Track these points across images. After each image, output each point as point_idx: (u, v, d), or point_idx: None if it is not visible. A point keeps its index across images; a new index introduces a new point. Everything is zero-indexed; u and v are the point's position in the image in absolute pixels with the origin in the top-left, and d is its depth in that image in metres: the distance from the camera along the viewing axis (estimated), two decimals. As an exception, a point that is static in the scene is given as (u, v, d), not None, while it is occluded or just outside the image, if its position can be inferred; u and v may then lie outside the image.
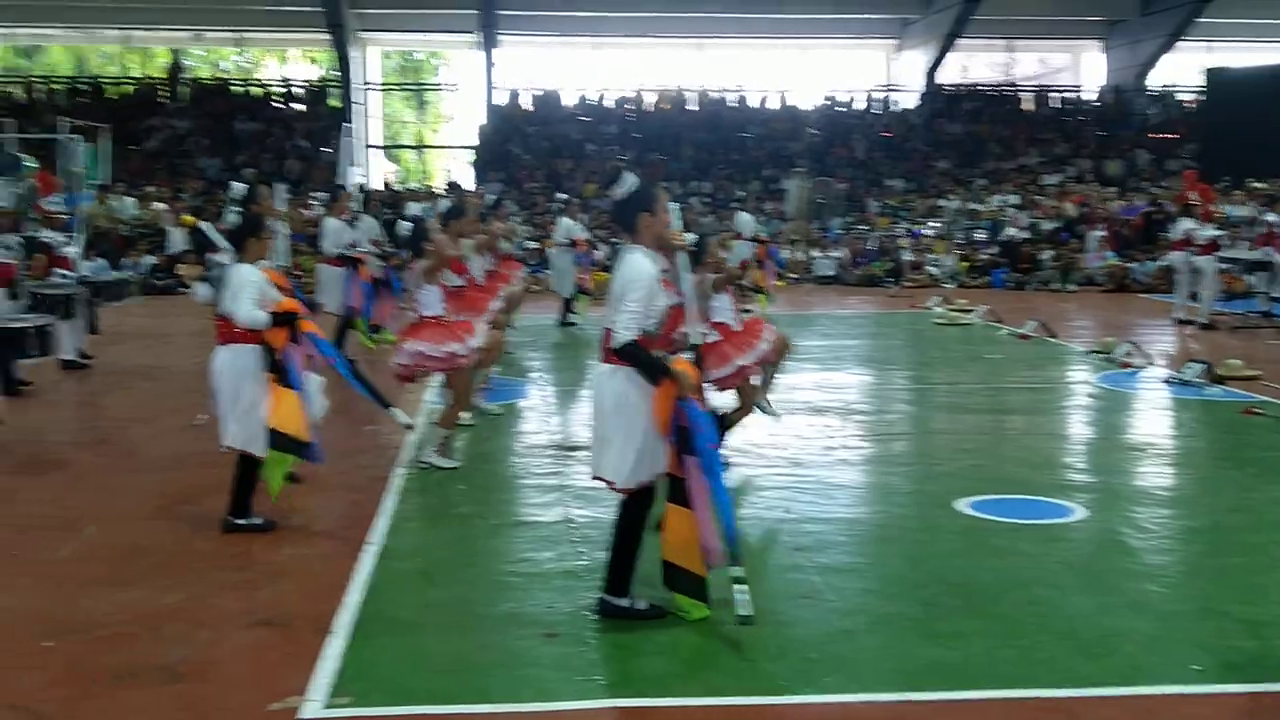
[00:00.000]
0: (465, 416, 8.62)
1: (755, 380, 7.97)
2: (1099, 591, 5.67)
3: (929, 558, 6.23)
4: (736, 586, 4.97)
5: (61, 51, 37.01)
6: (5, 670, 4.72)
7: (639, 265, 5.09)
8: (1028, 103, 32.14)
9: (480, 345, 8.10)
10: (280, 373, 6.40)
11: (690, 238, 6.44)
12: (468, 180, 28.12)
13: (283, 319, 6.41)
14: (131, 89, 30.11)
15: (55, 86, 29.87)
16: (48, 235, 11.81)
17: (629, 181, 5.24)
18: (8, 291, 10.24)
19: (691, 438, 4.98)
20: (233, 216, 6.72)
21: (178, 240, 22.31)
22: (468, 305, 8.95)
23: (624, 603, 5.24)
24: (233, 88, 30.81)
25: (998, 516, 6.89)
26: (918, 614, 5.35)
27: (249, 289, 6.40)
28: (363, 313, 12.35)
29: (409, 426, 7.91)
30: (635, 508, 5.24)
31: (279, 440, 6.39)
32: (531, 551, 6.28)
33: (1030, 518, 6.91)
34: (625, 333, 5.00)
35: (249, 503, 6.58)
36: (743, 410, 7.90)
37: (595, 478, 5.30)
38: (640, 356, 5.01)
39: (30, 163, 16.40)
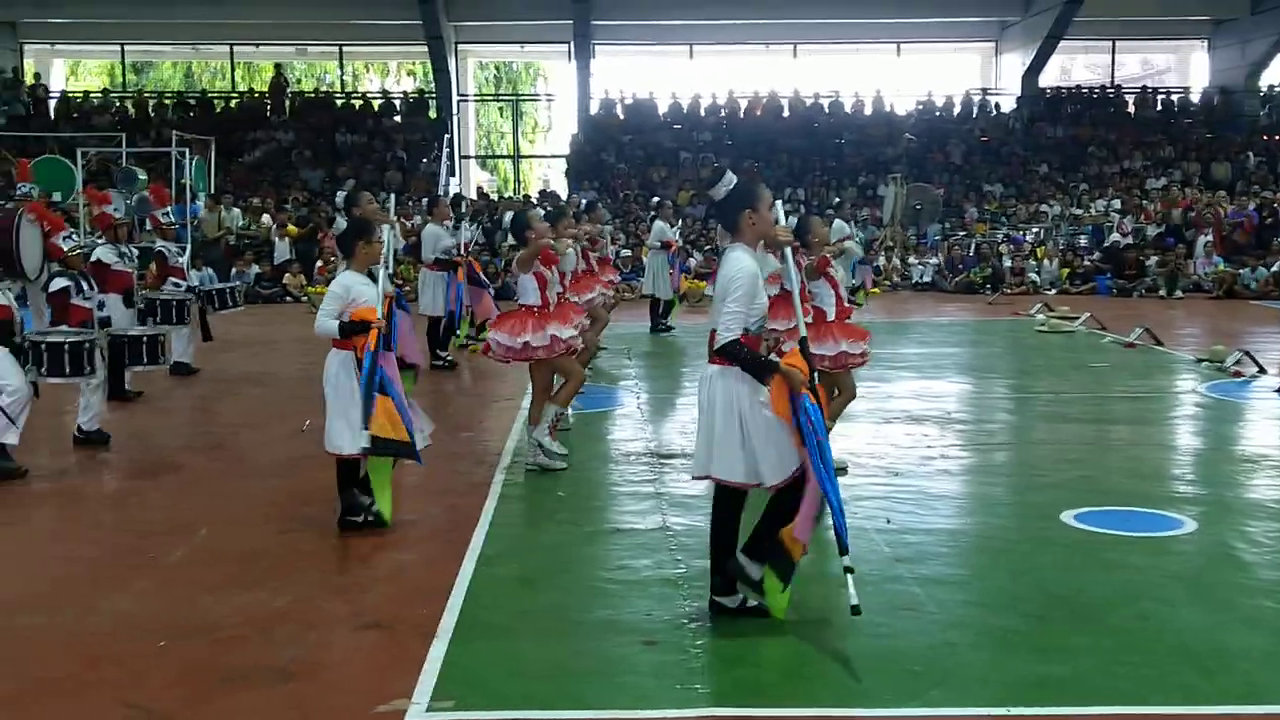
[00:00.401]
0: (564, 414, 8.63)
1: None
2: (1212, 607, 5.52)
3: (1034, 570, 6.11)
4: (849, 577, 4.99)
5: (171, 67, 38.24)
6: (124, 670, 4.87)
7: (741, 263, 5.10)
8: (1131, 105, 31.38)
9: (568, 336, 8.11)
10: (377, 381, 6.48)
11: (790, 222, 6.46)
12: (562, 189, 28.38)
13: (354, 328, 6.49)
14: (237, 103, 30.92)
15: (165, 101, 30.81)
16: (161, 245, 12.18)
17: (730, 179, 5.25)
18: (124, 300, 10.57)
19: (802, 431, 4.96)
20: (341, 223, 6.88)
21: (283, 250, 22.89)
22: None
23: (732, 603, 5.25)
24: (334, 100, 31.46)
25: (1104, 529, 6.74)
26: (1023, 628, 5.26)
27: (330, 299, 6.58)
28: (459, 315, 12.59)
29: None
30: (727, 507, 5.24)
31: (380, 445, 6.47)
32: (629, 559, 6.31)
33: (1138, 530, 6.75)
34: (728, 332, 5.02)
35: (358, 501, 6.70)
36: (842, 397, 7.84)
37: (698, 477, 5.29)
38: (745, 355, 5.02)
39: (143, 175, 16.96)
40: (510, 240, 9.10)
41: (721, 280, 5.13)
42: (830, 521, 5.17)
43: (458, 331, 12.88)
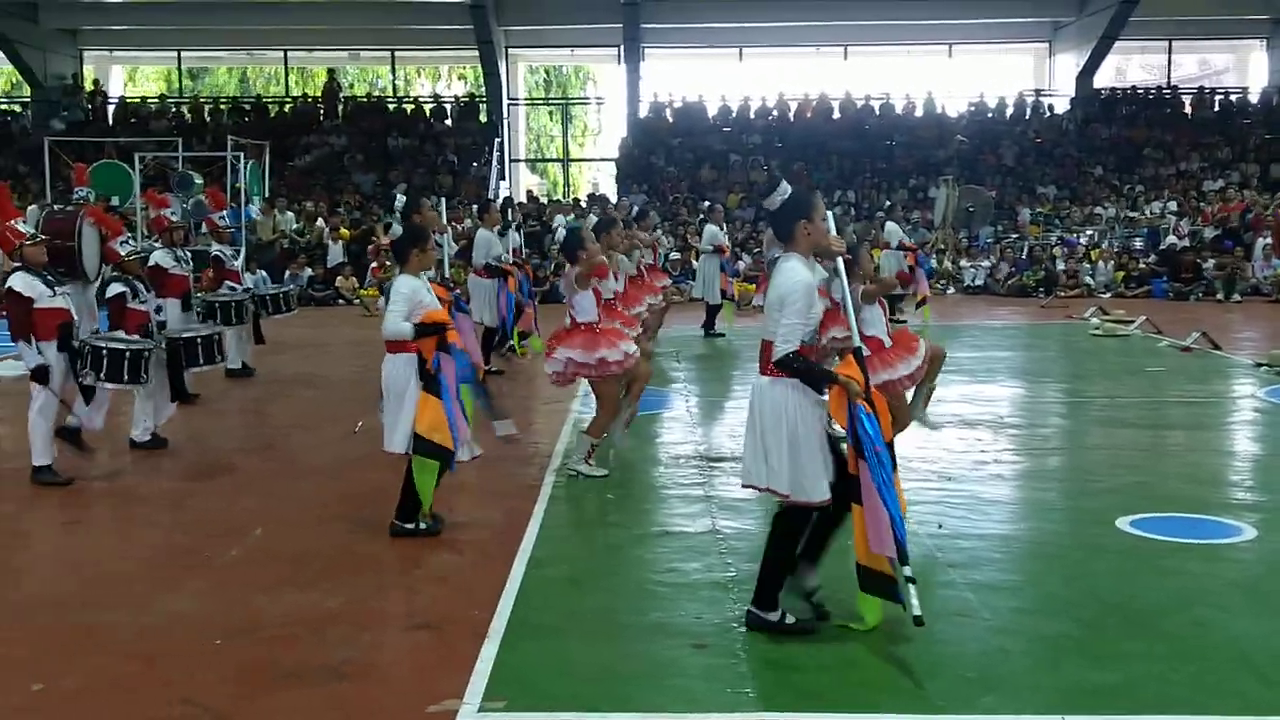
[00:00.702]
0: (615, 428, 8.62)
1: (908, 394, 7.88)
2: (1271, 614, 5.43)
3: (1088, 576, 6.04)
4: (911, 587, 4.97)
5: (226, 73, 38.77)
6: (180, 667, 4.95)
7: (797, 274, 5.06)
8: (1188, 105, 30.90)
9: (634, 353, 8.12)
10: (429, 381, 6.54)
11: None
12: (611, 192, 28.43)
13: (428, 330, 6.54)
14: (291, 108, 31.29)
15: (220, 106, 31.26)
16: (217, 249, 12.35)
17: (785, 189, 5.22)
18: (181, 303, 10.72)
19: (859, 442, 4.93)
20: (396, 228, 6.95)
21: (336, 253, 23.13)
22: (612, 314, 9.04)
23: (772, 617, 5.22)
24: (387, 105, 31.75)
25: (1161, 535, 6.65)
26: (1078, 634, 5.19)
27: (400, 300, 6.59)
28: (511, 325, 12.61)
29: (508, 439, 7.97)
30: (789, 524, 5.21)
31: (422, 445, 6.51)
32: (679, 562, 6.31)
33: (1195, 537, 6.64)
34: (786, 344, 4.98)
35: (416, 508, 6.74)
36: (897, 425, 7.79)
37: (747, 486, 5.28)
38: (802, 367, 5.00)
39: (199, 179, 17.22)
40: (558, 244, 9.16)
41: (776, 291, 5.08)
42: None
43: (510, 342, 12.90)
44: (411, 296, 6.60)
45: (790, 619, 5.23)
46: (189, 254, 11.22)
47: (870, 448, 4.89)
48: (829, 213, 5.36)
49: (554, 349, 8.17)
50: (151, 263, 10.47)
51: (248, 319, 11.95)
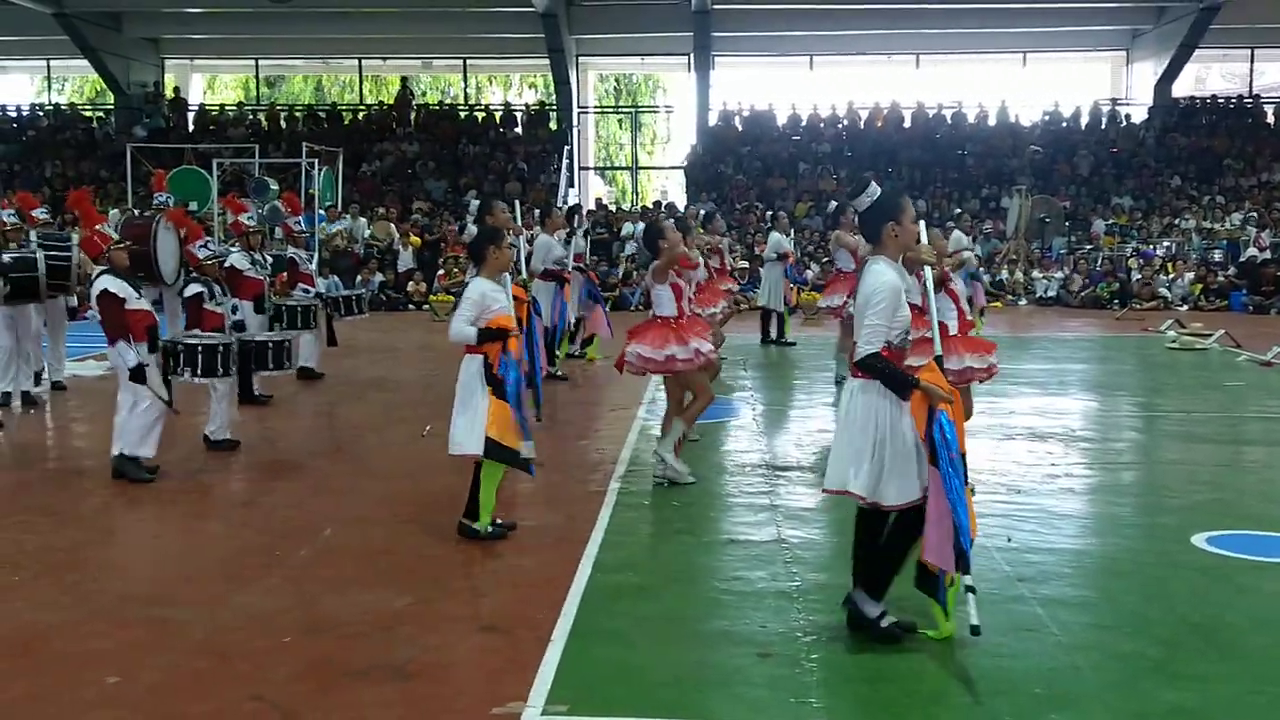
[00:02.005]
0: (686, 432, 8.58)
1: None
2: (1356, 638, 5.28)
3: (1164, 594, 5.92)
4: (970, 596, 4.91)
5: (302, 81, 39.42)
6: (251, 664, 5.02)
7: (883, 276, 5.03)
8: (1270, 115, 30.19)
9: (706, 350, 8.05)
10: (496, 385, 6.57)
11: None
12: (680, 200, 28.44)
13: (491, 335, 6.56)
14: (364, 115, 31.72)
15: (296, 114, 31.78)
16: (293, 253, 12.56)
17: (874, 190, 5.19)
18: (255, 305, 10.91)
19: (935, 448, 4.89)
20: (472, 229, 7.00)
21: (407, 259, 23.39)
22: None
23: (873, 611, 5.16)
24: (458, 112, 32.09)
25: (1240, 553, 6.49)
26: (1153, 653, 5.09)
27: (467, 304, 6.64)
28: (561, 329, 12.75)
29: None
30: (870, 526, 5.18)
31: (493, 449, 6.54)
32: (744, 570, 6.29)
33: (1275, 556, 6.48)
34: (869, 345, 4.97)
35: (476, 507, 6.77)
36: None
37: (830, 491, 5.23)
38: (884, 370, 4.97)
39: (274, 185, 17.53)
40: (627, 250, 9.17)
41: (863, 293, 5.06)
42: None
43: (559, 346, 12.97)
44: (480, 301, 6.64)
45: (887, 621, 5.16)
46: (266, 258, 11.42)
47: (945, 455, 4.84)
48: (920, 221, 5.31)
49: (629, 342, 8.13)
50: (228, 265, 10.68)
51: (316, 323, 12.12)
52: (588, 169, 33.82)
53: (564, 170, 28.81)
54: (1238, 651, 5.10)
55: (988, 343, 7.93)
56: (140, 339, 8.18)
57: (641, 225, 25.00)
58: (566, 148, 29.52)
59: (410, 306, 22.02)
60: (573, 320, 13.46)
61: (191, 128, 30.32)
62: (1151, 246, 24.06)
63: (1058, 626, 5.39)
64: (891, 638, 5.13)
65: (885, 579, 5.18)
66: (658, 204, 28.09)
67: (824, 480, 5.27)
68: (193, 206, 18.67)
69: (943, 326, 7.50)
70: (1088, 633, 5.36)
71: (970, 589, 4.95)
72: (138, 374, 8.09)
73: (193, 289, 9.36)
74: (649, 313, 8.34)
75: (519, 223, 11.24)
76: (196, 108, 32.34)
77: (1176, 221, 25.24)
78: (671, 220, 10.42)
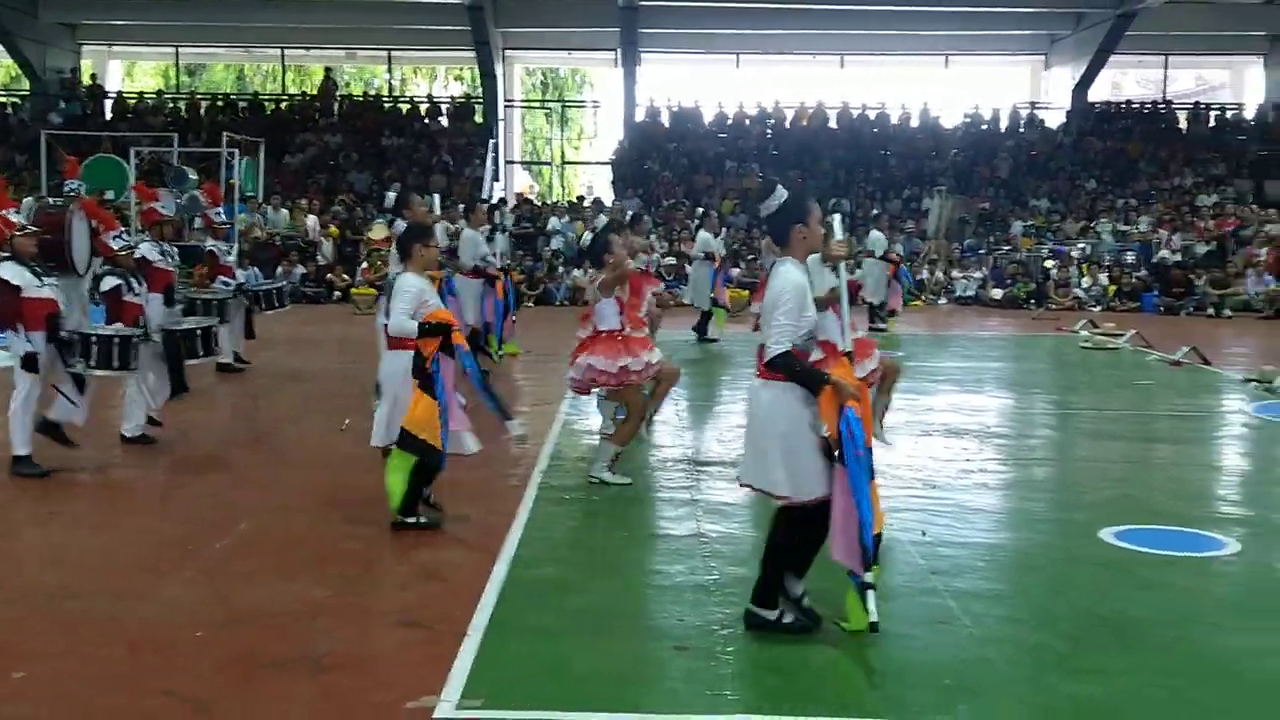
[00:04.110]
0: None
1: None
2: (1257, 630, 5.44)
3: (1072, 588, 6.06)
4: (870, 593, 4.99)
5: (223, 70, 38.74)
6: (163, 657, 4.94)
7: (790, 277, 5.11)
8: (1183, 121, 31.00)
9: (655, 361, 8.04)
10: (425, 380, 6.54)
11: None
12: (606, 196, 28.44)
13: (433, 329, 6.56)
14: (287, 105, 31.27)
15: (217, 103, 31.21)
16: (212, 244, 12.35)
17: (780, 194, 5.25)
18: (164, 298, 10.70)
19: (842, 445, 4.95)
20: (400, 224, 6.97)
21: (327, 251, 23.12)
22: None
23: (771, 615, 5.24)
24: (382, 104, 31.76)
25: (1146, 548, 6.66)
26: (1059, 645, 5.20)
27: (404, 298, 6.61)
28: (499, 328, 12.62)
29: (521, 439, 7.99)
30: (788, 522, 5.23)
31: (407, 440, 6.53)
32: (663, 564, 6.32)
33: (1181, 550, 6.65)
34: (777, 345, 5.03)
35: (416, 503, 6.78)
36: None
37: (744, 485, 5.32)
38: (795, 367, 5.03)
39: (194, 175, 17.21)
40: (553, 245, 9.14)
41: (770, 294, 5.14)
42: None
43: (497, 344, 12.90)
44: (418, 295, 6.64)
45: (788, 618, 5.25)
46: (175, 249, 11.20)
47: (852, 451, 4.91)
48: (835, 217, 5.40)
49: (576, 357, 8.06)
50: (138, 255, 10.46)
51: (230, 317, 11.93)
52: (513, 163, 33.65)
53: (489, 164, 28.66)
54: (1141, 644, 5.23)
55: (869, 343, 8.05)
56: (37, 328, 7.97)
57: (568, 220, 25.09)
58: (492, 141, 29.38)
59: (331, 299, 21.78)
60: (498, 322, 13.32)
61: (109, 115, 29.66)
62: (1067, 248, 24.56)
63: (969, 619, 5.49)
64: (800, 630, 5.21)
65: (780, 581, 5.25)
66: (581, 200, 28.06)
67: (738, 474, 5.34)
68: (108, 195, 18.28)
69: (828, 345, 7.64)
70: (998, 625, 5.47)
71: (870, 586, 5.01)
72: (28, 363, 7.92)
73: (111, 281, 9.16)
74: (579, 310, 8.31)
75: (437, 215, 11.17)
76: (114, 95, 31.62)
77: (1091, 224, 25.80)
78: (606, 223, 10.38)
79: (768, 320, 5.10)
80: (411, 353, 6.59)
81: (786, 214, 5.23)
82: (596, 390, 8.33)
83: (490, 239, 13.04)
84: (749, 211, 25.38)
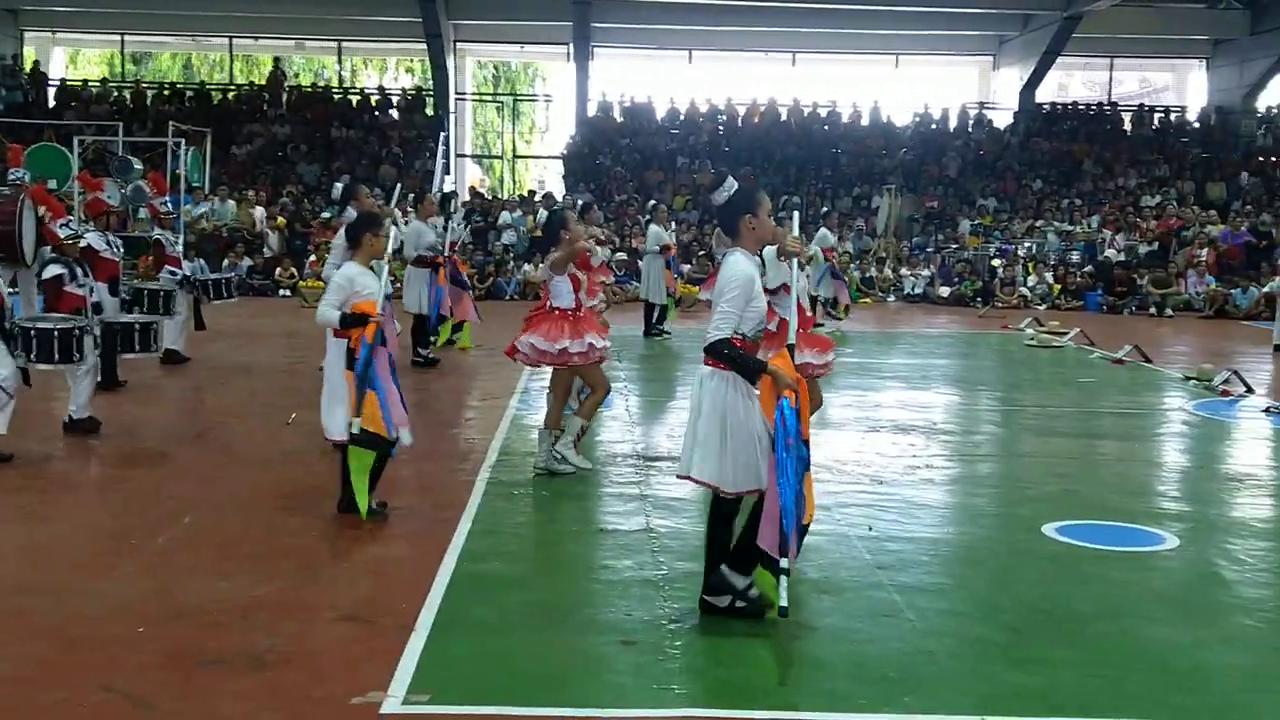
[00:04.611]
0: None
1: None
2: (1192, 624, 5.54)
3: (1015, 581, 6.14)
4: (783, 579, 5.00)
5: (170, 58, 38.17)
6: (103, 654, 4.87)
7: (738, 267, 5.17)
8: (1128, 122, 31.47)
9: (600, 346, 8.03)
10: (361, 370, 6.56)
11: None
12: (558, 190, 28.37)
13: (353, 320, 6.58)
14: (235, 95, 30.88)
15: (163, 92, 30.76)
16: (159, 234, 12.18)
17: (731, 185, 5.31)
18: (109, 288, 10.54)
19: (774, 434, 4.99)
20: (351, 212, 6.99)
21: (274, 243, 22.88)
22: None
23: (721, 601, 5.30)
24: (332, 95, 31.46)
25: (1087, 542, 6.76)
26: (1001, 638, 5.27)
27: (334, 288, 6.68)
28: (435, 316, 12.61)
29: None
30: (719, 512, 5.30)
31: (363, 438, 6.55)
32: (611, 559, 6.32)
33: (1121, 545, 6.76)
34: (717, 332, 5.08)
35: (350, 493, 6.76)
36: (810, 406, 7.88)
37: (682, 476, 5.36)
38: (732, 355, 5.08)
39: (139, 164, 16.95)
40: (504, 240, 9.14)
41: (719, 282, 5.20)
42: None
43: (437, 331, 12.90)
44: (348, 285, 6.66)
45: (740, 603, 5.29)
46: (120, 239, 11.04)
47: (783, 440, 4.95)
48: (794, 212, 5.48)
49: (524, 332, 8.04)
50: (84, 245, 10.30)
51: (175, 309, 11.77)
52: (465, 156, 33.48)
53: (440, 157, 28.42)
54: (1081, 636, 5.31)
55: (826, 340, 8.12)
56: None
57: (520, 214, 24.99)
58: (443, 134, 29.12)
59: (280, 292, 21.56)
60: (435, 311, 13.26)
61: (52, 103, 29.13)
62: (1013, 246, 24.85)
63: (914, 612, 5.54)
64: (754, 607, 5.26)
65: (750, 559, 5.27)
66: (533, 193, 27.97)
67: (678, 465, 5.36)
68: (51, 184, 17.98)
69: (784, 322, 7.69)
70: (942, 618, 5.53)
71: (784, 572, 5.02)
72: None
73: (54, 270, 9.02)
74: (531, 305, 8.30)
75: (393, 207, 11.10)
76: (58, 82, 31.04)
77: (1037, 223, 26.11)
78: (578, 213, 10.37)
79: (713, 308, 5.17)
80: (341, 342, 6.67)
81: (736, 205, 5.29)
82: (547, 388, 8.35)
83: (443, 229, 13.02)
84: (701, 207, 25.44)
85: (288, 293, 21.31)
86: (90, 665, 4.75)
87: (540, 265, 8.44)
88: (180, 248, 13.06)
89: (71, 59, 36.02)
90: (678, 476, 5.46)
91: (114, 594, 5.59)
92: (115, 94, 29.96)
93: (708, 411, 5.15)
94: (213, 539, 6.53)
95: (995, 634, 5.31)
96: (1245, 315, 20.93)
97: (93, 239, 10.52)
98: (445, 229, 13.12)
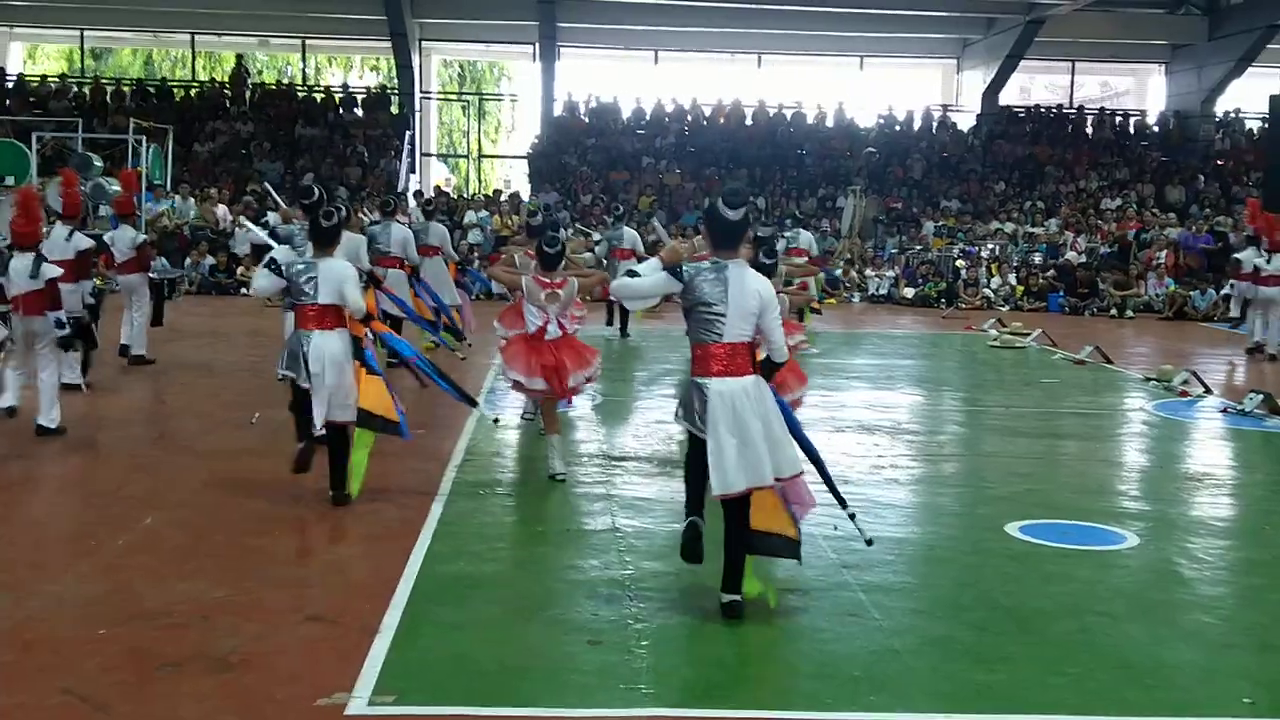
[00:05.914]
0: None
1: None
2: (1152, 621, 5.60)
3: (978, 580, 6.18)
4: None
5: (131, 54, 37.74)
6: (61, 656, 4.81)
7: (766, 282, 5.52)
8: (1089, 126, 31.77)
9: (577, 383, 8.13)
10: (364, 360, 7.12)
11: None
12: (524, 190, 28.31)
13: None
14: (197, 92, 30.59)
15: (124, 88, 30.42)
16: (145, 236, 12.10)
17: (747, 200, 5.60)
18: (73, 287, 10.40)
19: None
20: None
21: (239, 241, 22.67)
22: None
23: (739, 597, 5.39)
24: (296, 93, 31.23)
25: (1049, 541, 6.81)
26: (966, 637, 5.31)
27: (353, 282, 7.03)
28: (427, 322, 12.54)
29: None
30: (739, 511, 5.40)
31: (364, 418, 6.99)
32: (577, 559, 6.31)
33: (1082, 544, 6.82)
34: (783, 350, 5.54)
35: (346, 477, 7.04)
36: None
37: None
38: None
39: (98, 162, 16.76)
40: (470, 239, 9.13)
41: (762, 298, 5.33)
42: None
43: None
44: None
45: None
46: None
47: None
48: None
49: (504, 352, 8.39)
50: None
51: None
52: (430, 155, 33.33)
53: (405, 156, 28.33)
54: (1043, 634, 5.36)
55: (794, 323, 8.31)
56: None
57: (485, 213, 24.89)
58: (408, 133, 29.05)
59: (242, 291, 21.37)
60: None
61: (9, 99, 28.74)
62: (976, 248, 25.03)
63: (879, 612, 5.57)
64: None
65: (737, 575, 5.44)
66: (498, 193, 27.89)
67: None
68: (9, 181, 17.76)
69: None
70: (907, 617, 5.56)
71: (851, 516, 5.81)
72: None
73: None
74: (501, 306, 8.42)
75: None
76: (15, 78, 30.62)
77: (1000, 225, 26.31)
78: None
79: (769, 324, 5.36)
80: (339, 332, 6.97)
81: (746, 222, 5.47)
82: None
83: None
84: (667, 208, 25.44)
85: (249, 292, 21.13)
86: (48, 668, 4.68)
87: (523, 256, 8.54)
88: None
89: (30, 54, 35.55)
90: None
91: (73, 595, 5.52)
92: (75, 90, 29.59)
93: (773, 411, 5.35)
94: (174, 540, 6.46)
95: (960, 633, 5.35)
96: (1204, 317, 21.19)
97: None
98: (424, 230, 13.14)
